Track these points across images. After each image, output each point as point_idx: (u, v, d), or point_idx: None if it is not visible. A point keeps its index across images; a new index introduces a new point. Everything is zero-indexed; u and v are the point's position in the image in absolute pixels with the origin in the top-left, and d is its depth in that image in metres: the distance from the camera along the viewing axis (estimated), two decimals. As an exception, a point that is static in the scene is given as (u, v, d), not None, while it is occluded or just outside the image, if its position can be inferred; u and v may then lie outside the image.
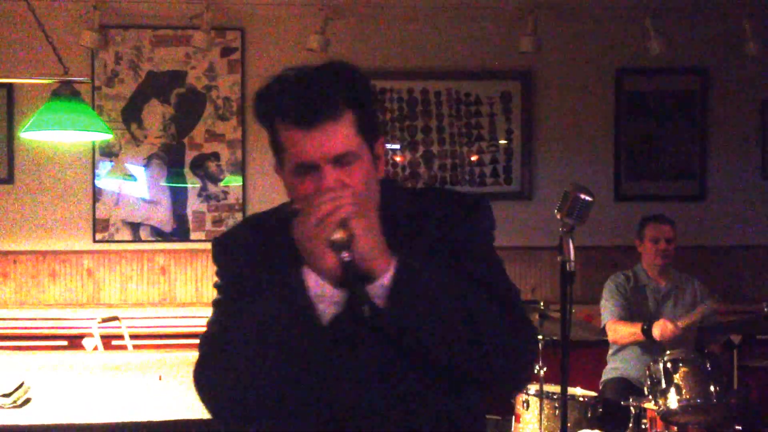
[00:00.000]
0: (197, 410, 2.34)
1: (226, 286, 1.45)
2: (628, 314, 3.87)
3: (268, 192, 4.75)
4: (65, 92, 2.87)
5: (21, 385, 2.51)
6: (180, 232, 4.75)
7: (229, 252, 1.46)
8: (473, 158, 4.87)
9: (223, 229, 4.73)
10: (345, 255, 1.25)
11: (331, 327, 1.30)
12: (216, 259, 1.48)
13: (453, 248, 1.39)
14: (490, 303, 1.33)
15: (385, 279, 1.27)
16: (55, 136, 3.21)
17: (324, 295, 1.29)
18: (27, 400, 2.46)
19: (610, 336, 3.87)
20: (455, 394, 1.40)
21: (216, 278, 1.49)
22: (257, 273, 1.38)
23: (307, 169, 1.33)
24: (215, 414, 1.39)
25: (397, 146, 4.84)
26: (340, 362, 1.35)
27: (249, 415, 1.37)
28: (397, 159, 4.85)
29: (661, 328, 3.55)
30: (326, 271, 1.27)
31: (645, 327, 3.63)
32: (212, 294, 1.49)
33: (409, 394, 1.36)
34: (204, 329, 1.44)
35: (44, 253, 4.70)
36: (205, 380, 1.37)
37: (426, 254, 1.36)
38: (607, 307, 3.92)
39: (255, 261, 1.41)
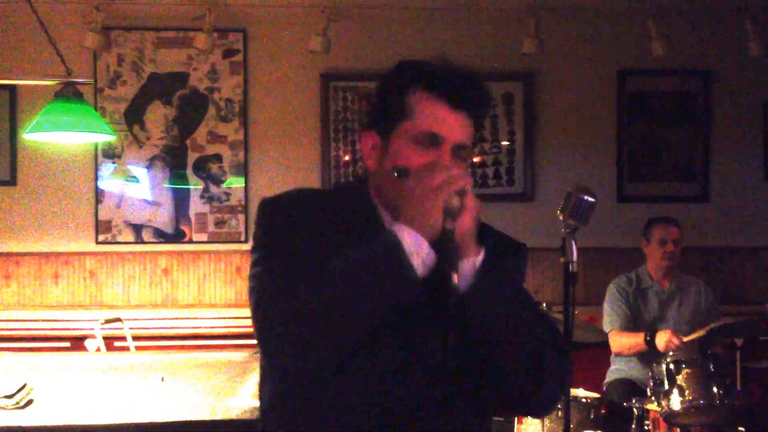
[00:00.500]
0: (200, 411, 2.34)
1: (285, 245, 1.37)
2: (632, 321, 3.84)
3: (270, 193, 4.74)
4: (68, 94, 2.87)
5: (24, 387, 2.50)
6: (182, 233, 4.76)
7: (286, 212, 1.41)
8: (476, 159, 4.87)
9: (225, 230, 4.74)
10: (450, 223, 1.28)
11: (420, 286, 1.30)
12: (269, 219, 1.42)
13: (516, 279, 1.48)
14: (545, 329, 1.41)
15: (477, 260, 1.33)
16: (58, 137, 3.21)
17: (418, 252, 1.28)
18: (29, 402, 2.45)
19: (613, 347, 3.84)
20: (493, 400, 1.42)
21: (262, 240, 1.41)
22: (316, 240, 1.34)
23: (430, 142, 1.36)
24: (299, 366, 1.31)
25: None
26: (412, 328, 1.35)
27: (334, 363, 1.32)
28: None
29: (666, 342, 3.53)
30: (428, 230, 1.28)
31: (648, 338, 3.61)
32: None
33: (457, 390, 1.37)
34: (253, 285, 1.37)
35: (47, 255, 4.70)
36: (294, 335, 1.28)
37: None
38: (610, 315, 3.89)
39: (313, 228, 1.36)
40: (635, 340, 3.71)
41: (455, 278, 1.26)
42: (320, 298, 1.27)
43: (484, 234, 1.43)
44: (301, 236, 1.37)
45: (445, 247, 1.28)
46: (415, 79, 1.39)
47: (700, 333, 3.56)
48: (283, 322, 1.29)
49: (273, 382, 1.43)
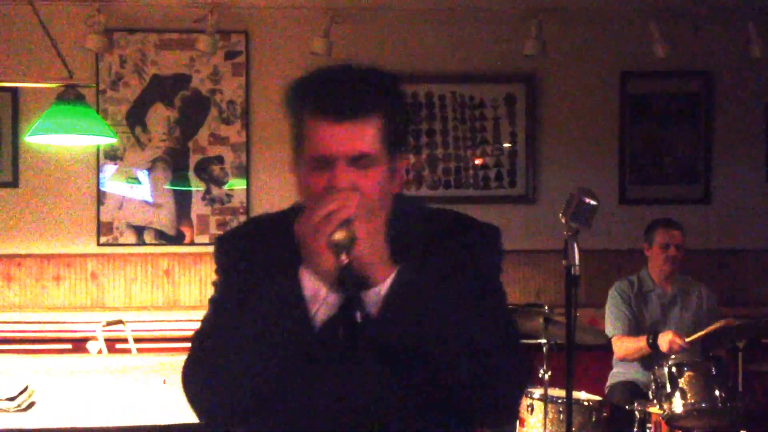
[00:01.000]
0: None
1: (223, 284, 1.44)
2: (634, 326, 3.83)
3: (272, 195, 4.75)
4: (70, 96, 2.87)
5: (25, 389, 2.50)
6: (184, 235, 4.76)
7: (229, 250, 1.45)
8: (477, 161, 4.87)
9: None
10: (343, 257, 1.24)
11: (322, 330, 1.29)
12: (216, 257, 1.47)
13: (462, 274, 1.37)
14: (488, 330, 1.32)
15: (383, 287, 1.26)
16: (60, 140, 3.21)
17: (318, 296, 1.28)
18: (31, 404, 2.45)
19: (617, 353, 3.82)
20: (438, 417, 1.37)
21: (215, 276, 1.48)
22: (255, 273, 1.37)
23: (323, 164, 1.30)
24: (201, 413, 1.37)
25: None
26: (329, 366, 1.33)
27: (236, 416, 1.37)
28: (401, 162, 4.83)
29: (669, 343, 3.52)
30: (323, 272, 1.26)
31: (650, 340, 3.60)
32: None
33: (394, 408, 1.34)
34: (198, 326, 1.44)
35: (49, 257, 4.70)
36: (194, 377, 1.36)
37: (431, 275, 1.34)
38: (612, 321, 3.87)
39: (255, 261, 1.39)
40: (638, 344, 3.70)
41: (358, 316, 1.25)
42: (223, 345, 1.32)
43: (450, 226, 1.41)
44: (237, 273, 1.40)
45: (345, 281, 1.24)
46: (299, 104, 1.35)
47: (702, 333, 3.56)
48: (191, 368, 1.36)
49: None
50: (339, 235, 1.24)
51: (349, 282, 1.24)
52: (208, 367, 1.34)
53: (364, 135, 1.30)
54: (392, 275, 1.27)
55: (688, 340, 3.53)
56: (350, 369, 1.33)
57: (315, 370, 1.33)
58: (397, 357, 1.30)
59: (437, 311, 1.28)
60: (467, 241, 1.41)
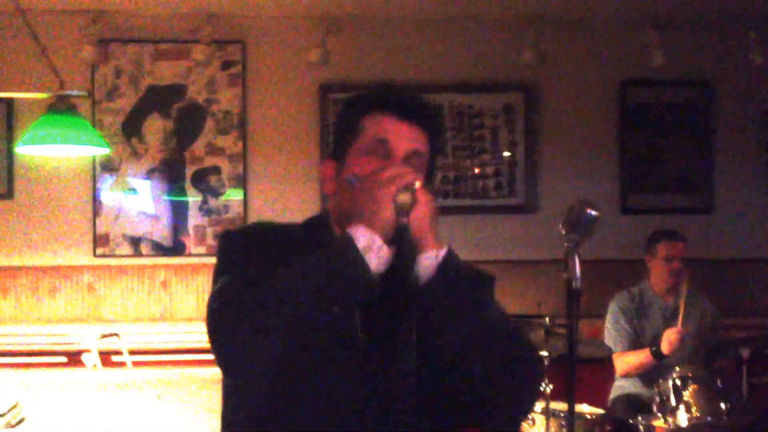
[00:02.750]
0: (195, 430, 2.29)
1: (236, 271, 1.36)
2: (635, 341, 3.77)
3: (269, 205, 4.72)
4: (61, 107, 2.83)
5: (16, 405, 2.46)
6: (181, 246, 4.71)
7: (241, 244, 1.42)
8: (476, 171, 4.83)
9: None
10: (403, 219, 1.28)
11: (375, 284, 1.28)
12: (225, 250, 1.42)
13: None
14: (516, 328, 1.40)
15: (439, 254, 1.30)
16: (51, 150, 3.18)
17: (372, 247, 1.27)
18: (21, 420, 2.41)
19: (619, 369, 3.75)
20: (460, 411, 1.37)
21: (220, 267, 1.40)
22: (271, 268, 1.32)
23: (381, 151, 1.38)
24: (240, 366, 1.29)
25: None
26: (370, 354, 1.32)
27: (278, 367, 1.28)
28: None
29: (667, 340, 3.48)
30: (381, 226, 1.28)
31: (654, 348, 3.55)
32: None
33: (419, 417, 1.33)
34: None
35: (44, 269, 4.66)
36: (237, 330, 1.27)
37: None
38: (613, 337, 3.81)
39: (269, 257, 1.34)
40: (642, 357, 3.64)
41: (412, 276, 1.27)
42: (267, 299, 1.26)
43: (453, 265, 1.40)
44: (256, 267, 1.35)
45: (401, 242, 1.28)
46: (364, 106, 1.44)
47: (691, 326, 3.52)
48: (232, 323, 1.27)
49: (230, 405, 1.41)
50: (403, 197, 1.29)
51: (406, 242, 1.28)
52: (256, 322, 1.25)
53: (420, 137, 1.42)
54: (445, 248, 1.32)
55: (680, 325, 3.48)
56: (388, 359, 1.32)
57: (359, 354, 1.31)
58: (434, 328, 1.30)
59: (481, 294, 1.35)
60: (483, 282, 1.44)
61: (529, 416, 3.39)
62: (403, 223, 1.28)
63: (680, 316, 3.51)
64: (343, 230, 1.33)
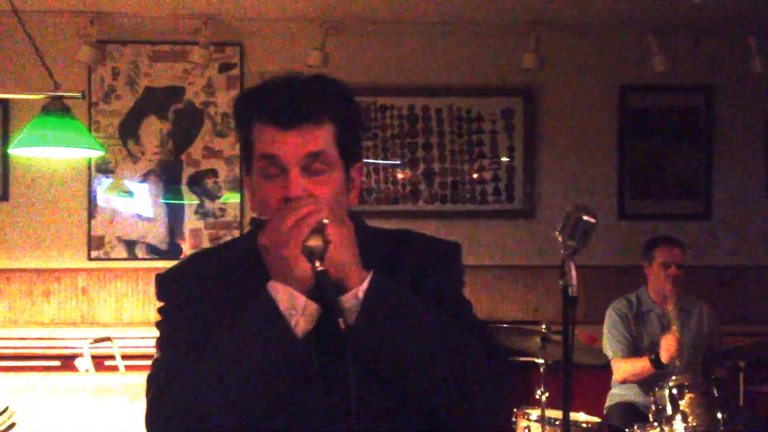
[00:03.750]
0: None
1: (174, 322, 1.33)
2: (633, 348, 3.74)
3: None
4: (55, 108, 2.81)
5: (5, 410, 2.43)
6: (176, 249, 4.68)
7: (179, 285, 1.35)
8: (474, 176, 4.81)
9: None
10: (317, 264, 1.20)
11: (305, 342, 1.23)
12: (163, 295, 1.36)
13: (425, 293, 1.33)
14: (463, 332, 1.30)
15: (359, 291, 1.23)
16: (45, 152, 3.15)
17: (296, 307, 1.22)
18: (11, 426, 2.38)
19: (617, 375, 3.72)
20: (427, 423, 1.32)
21: (160, 316, 1.36)
22: (213, 305, 1.29)
23: (274, 171, 1.28)
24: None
25: (398, 163, 4.78)
26: (315, 378, 1.27)
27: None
28: (398, 176, 4.78)
29: (665, 348, 3.45)
30: (298, 281, 1.22)
31: (653, 356, 3.51)
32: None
33: (382, 420, 1.28)
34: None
35: (38, 271, 4.63)
36: (169, 423, 1.24)
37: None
38: (611, 343, 3.77)
39: (209, 293, 1.31)
40: (641, 365, 3.60)
41: (341, 322, 1.19)
42: (208, 379, 1.22)
43: (410, 243, 1.37)
44: (191, 309, 1.30)
45: (324, 288, 1.21)
46: (247, 112, 1.32)
47: (688, 335, 3.49)
48: (172, 410, 1.23)
49: None
50: (313, 241, 1.21)
51: (328, 288, 1.20)
52: (186, 407, 1.22)
53: (315, 138, 1.27)
54: (369, 278, 1.24)
55: (674, 329, 3.45)
56: (336, 381, 1.26)
57: (300, 387, 1.26)
58: (381, 362, 1.25)
59: (414, 311, 1.26)
60: (427, 260, 1.38)
61: (525, 424, 3.36)
62: (319, 270, 1.20)
63: (673, 322, 3.48)
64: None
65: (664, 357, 3.47)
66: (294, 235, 1.21)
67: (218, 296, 1.30)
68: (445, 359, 1.25)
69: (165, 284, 1.37)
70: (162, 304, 1.37)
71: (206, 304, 1.30)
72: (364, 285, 1.24)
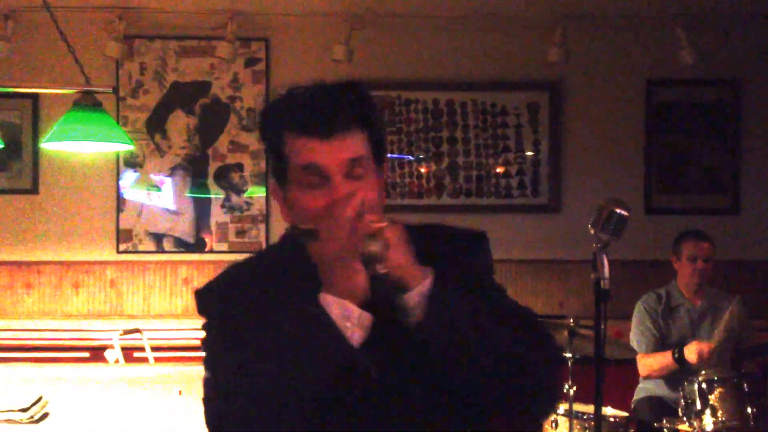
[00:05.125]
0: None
1: (223, 337, 1.30)
2: (659, 344, 3.71)
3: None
4: (87, 103, 2.84)
5: (39, 399, 2.47)
6: (203, 243, 4.72)
7: (219, 299, 1.33)
8: (499, 170, 4.79)
9: (246, 240, 4.70)
10: (379, 267, 1.20)
11: (360, 351, 1.23)
12: (203, 310, 1.34)
13: (459, 285, 1.32)
14: (515, 322, 1.31)
15: (423, 288, 1.23)
16: (76, 146, 3.19)
17: (350, 317, 1.21)
18: (45, 415, 2.42)
19: (642, 371, 3.70)
20: (480, 422, 1.33)
21: (204, 332, 1.34)
22: (255, 317, 1.27)
23: (316, 181, 1.28)
24: None
25: (422, 157, 4.78)
26: (372, 389, 1.26)
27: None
28: (422, 170, 4.79)
29: (696, 352, 3.41)
30: (355, 290, 1.21)
31: (676, 355, 3.49)
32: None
33: (437, 421, 1.30)
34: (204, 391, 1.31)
35: (68, 264, 4.69)
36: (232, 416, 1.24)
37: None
38: (637, 338, 3.76)
39: (250, 305, 1.29)
40: (663, 360, 3.58)
41: (411, 322, 1.20)
42: (268, 397, 1.21)
43: (438, 237, 1.37)
44: (233, 323, 1.29)
45: (382, 291, 1.21)
46: (279, 125, 1.32)
47: (722, 332, 3.44)
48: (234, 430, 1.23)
49: None
50: (372, 246, 1.19)
51: (391, 290, 1.21)
52: (246, 426, 1.22)
53: (353, 145, 1.29)
54: (429, 275, 1.24)
55: (713, 344, 3.40)
56: (393, 387, 1.27)
57: (356, 396, 1.26)
58: (444, 360, 1.25)
59: (474, 307, 1.26)
60: (457, 252, 1.38)
61: (552, 418, 3.36)
62: (381, 273, 1.20)
63: (717, 337, 3.43)
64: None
65: (692, 357, 3.44)
66: (352, 243, 1.20)
67: (260, 308, 1.28)
68: (506, 350, 1.25)
69: (205, 299, 1.36)
70: (204, 320, 1.35)
71: (249, 317, 1.27)
72: (427, 282, 1.23)
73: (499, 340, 1.26)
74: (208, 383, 1.31)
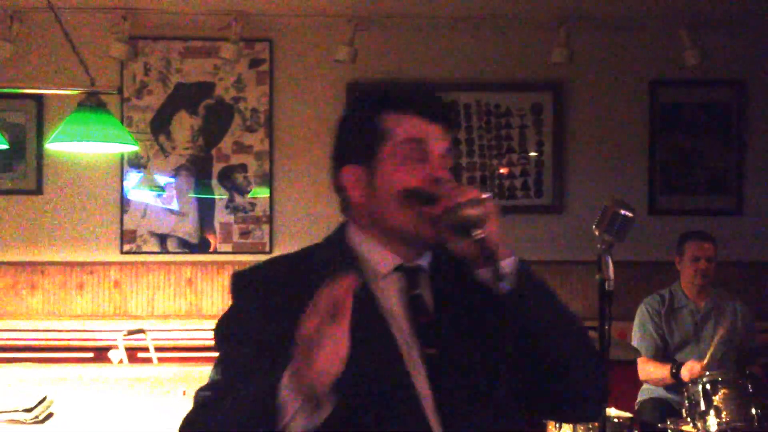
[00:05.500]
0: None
1: (238, 337, 1.31)
2: (661, 348, 3.71)
3: (295, 204, 4.72)
4: (91, 103, 2.85)
5: (44, 400, 2.47)
6: (207, 243, 4.73)
7: (252, 290, 1.34)
8: (503, 171, 4.79)
9: (250, 241, 4.71)
10: (480, 231, 1.27)
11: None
12: (234, 294, 1.37)
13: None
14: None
15: (512, 260, 1.29)
16: (81, 147, 3.20)
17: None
18: (49, 415, 2.42)
19: (641, 375, 3.70)
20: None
21: (225, 321, 1.34)
22: (280, 322, 1.24)
23: (418, 154, 1.34)
24: None
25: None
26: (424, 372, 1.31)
27: None
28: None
29: (689, 371, 3.41)
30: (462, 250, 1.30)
31: (674, 371, 3.49)
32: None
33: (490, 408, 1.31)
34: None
35: (72, 264, 4.70)
36: None
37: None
38: (639, 341, 3.75)
39: (279, 308, 1.28)
40: (662, 373, 3.57)
41: (502, 287, 1.27)
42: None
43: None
44: (255, 324, 1.30)
45: (485, 254, 1.27)
46: (382, 103, 1.37)
47: (713, 349, 3.43)
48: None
49: None
50: (475, 210, 1.27)
51: (487, 253, 1.27)
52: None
53: (448, 138, 1.38)
54: (513, 252, 1.31)
55: (705, 363, 3.38)
56: (442, 373, 1.30)
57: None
58: (529, 328, 1.29)
59: (554, 293, 1.36)
60: None
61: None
62: (480, 237, 1.27)
63: (708, 356, 3.42)
64: (372, 238, 1.35)
65: (685, 376, 3.43)
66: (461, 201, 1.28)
67: (288, 313, 1.24)
68: (578, 331, 1.34)
69: (239, 284, 1.37)
70: (231, 303, 1.37)
71: (274, 320, 1.27)
72: (514, 256, 1.30)
73: (578, 326, 1.36)
74: (210, 377, 1.32)
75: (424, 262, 1.37)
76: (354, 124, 1.40)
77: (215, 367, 1.33)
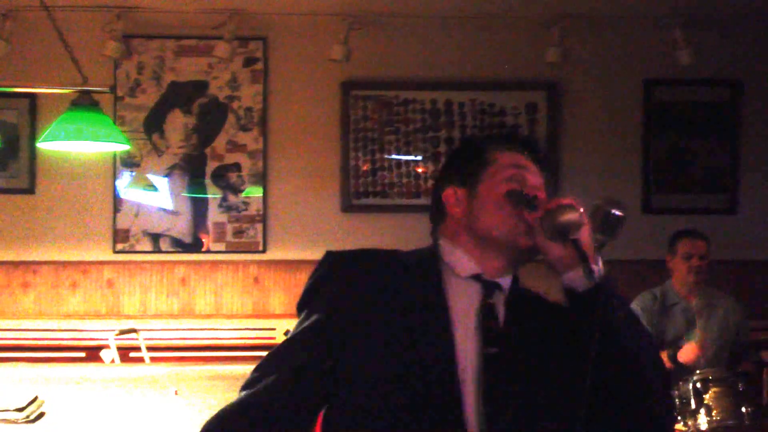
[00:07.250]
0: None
1: (308, 332, 1.41)
2: (656, 341, 3.73)
3: (289, 203, 4.72)
4: (84, 102, 2.84)
5: (35, 399, 2.46)
6: (200, 243, 4.72)
7: (342, 278, 1.43)
8: (497, 170, 4.79)
9: (244, 240, 4.70)
10: (575, 235, 1.38)
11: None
12: (320, 273, 1.45)
13: None
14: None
15: (601, 264, 1.39)
16: (73, 146, 3.19)
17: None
18: (41, 415, 2.41)
19: None
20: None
21: (304, 305, 1.44)
22: (381, 305, 1.39)
23: (518, 179, 1.48)
24: None
25: (420, 157, 4.78)
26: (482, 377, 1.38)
27: None
28: (420, 170, 4.78)
29: (686, 354, 3.42)
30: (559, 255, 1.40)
31: (671, 355, 3.50)
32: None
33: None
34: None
35: (64, 264, 4.68)
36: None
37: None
38: None
39: (378, 293, 1.40)
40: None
41: (595, 282, 1.35)
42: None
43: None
44: (332, 319, 1.39)
45: (580, 254, 1.37)
46: (490, 139, 1.57)
47: (714, 335, 3.44)
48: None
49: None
50: (572, 215, 1.39)
51: (583, 255, 1.36)
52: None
53: (543, 175, 1.55)
54: (600, 259, 1.40)
55: (702, 340, 3.42)
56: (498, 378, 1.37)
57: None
58: (608, 331, 1.34)
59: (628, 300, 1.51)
60: None
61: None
62: (576, 239, 1.37)
63: (698, 331, 3.44)
64: (459, 247, 1.45)
65: (682, 358, 3.45)
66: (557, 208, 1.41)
67: (373, 304, 1.40)
68: (649, 341, 1.42)
69: (330, 266, 1.46)
70: (313, 281, 1.45)
71: (358, 307, 1.39)
72: (600, 263, 1.40)
73: (645, 329, 1.46)
74: (265, 360, 1.43)
75: (504, 282, 1.46)
76: (462, 152, 1.55)
77: (274, 356, 1.42)
